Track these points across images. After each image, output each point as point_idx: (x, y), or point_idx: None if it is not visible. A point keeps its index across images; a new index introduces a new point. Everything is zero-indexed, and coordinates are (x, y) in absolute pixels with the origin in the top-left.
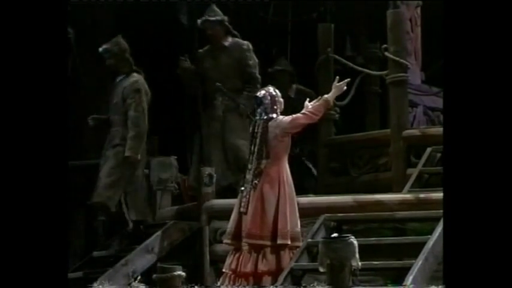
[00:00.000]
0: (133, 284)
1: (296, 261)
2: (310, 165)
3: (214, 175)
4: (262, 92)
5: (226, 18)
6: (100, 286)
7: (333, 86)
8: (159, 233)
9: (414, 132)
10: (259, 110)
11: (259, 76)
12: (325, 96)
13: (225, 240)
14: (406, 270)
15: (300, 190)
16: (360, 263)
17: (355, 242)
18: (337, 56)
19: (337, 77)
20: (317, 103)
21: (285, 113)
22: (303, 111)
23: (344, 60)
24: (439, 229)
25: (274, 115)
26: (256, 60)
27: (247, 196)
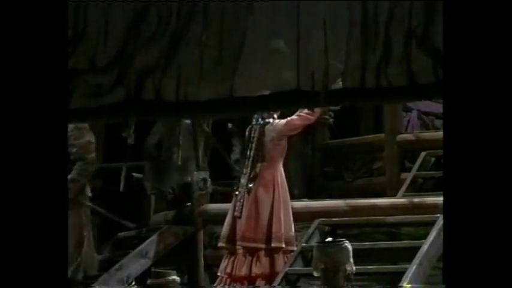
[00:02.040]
0: None
1: (290, 266)
2: None
3: (209, 179)
4: None
5: None
6: None
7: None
8: (153, 237)
9: (408, 136)
10: (255, 116)
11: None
12: None
13: (219, 244)
14: (400, 274)
15: None
16: (354, 268)
17: (350, 247)
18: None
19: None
20: None
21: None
22: (297, 113)
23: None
24: (433, 233)
25: (271, 120)
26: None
27: (242, 200)
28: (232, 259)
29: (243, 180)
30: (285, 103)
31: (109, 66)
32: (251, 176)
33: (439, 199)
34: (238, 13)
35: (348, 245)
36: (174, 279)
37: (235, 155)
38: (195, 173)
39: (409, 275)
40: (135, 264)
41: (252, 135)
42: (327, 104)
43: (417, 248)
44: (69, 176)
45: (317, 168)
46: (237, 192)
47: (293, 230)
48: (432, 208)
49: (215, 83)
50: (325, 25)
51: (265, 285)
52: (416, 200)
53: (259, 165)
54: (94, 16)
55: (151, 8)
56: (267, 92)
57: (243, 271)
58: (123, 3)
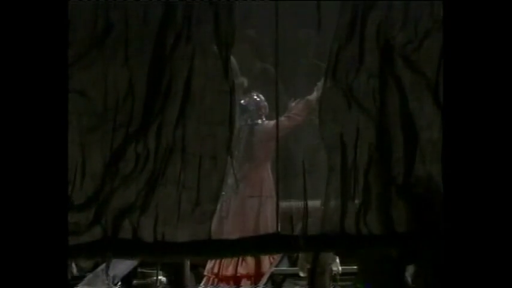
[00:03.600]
0: None
1: (276, 266)
2: None
3: None
4: (246, 99)
5: None
6: None
7: (316, 88)
8: None
9: None
10: (244, 117)
11: None
12: (308, 97)
13: None
14: None
15: None
16: (340, 268)
17: None
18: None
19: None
20: (299, 104)
21: None
22: (286, 114)
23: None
24: None
25: (259, 121)
26: None
27: (228, 200)
28: (218, 259)
29: (230, 181)
30: (264, 247)
31: (86, 205)
32: (238, 176)
33: None
34: (216, 154)
35: None
36: (159, 280)
37: None
38: None
39: None
40: (121, 264)
41: (241, 136)
42: (307, 249)
43: None
44: None
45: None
46: (223, 193)
47: (279, 231)
48: None
49: (193, 225)
50: (304, 169)
51: (251, 285)
52: None
53: (247, 165)
54: (71, 153)
55: (129, 145)
56: (245, 236)
57: (229, 271)
58: (101, 139)
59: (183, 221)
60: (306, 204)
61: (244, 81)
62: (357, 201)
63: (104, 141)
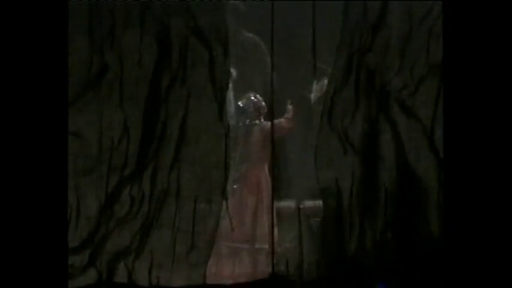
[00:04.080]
0: None
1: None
2: None
3: None
4: (244, 100)
5: None
6: None
7: (313, 89)
8: None
9: None
10: (242, 118)
11: None
12: None
13: None
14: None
15: None
16: None
17: None
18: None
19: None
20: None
21: None
22: (285, 115)
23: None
24: None
25: (258, 121)
26: None
27: (226, 200)
28: (216, 259)
29: (230, 178)
30: None
31: (81, 247)
32: (236, 176)
33: None
34: (211, 197)
35: None
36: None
37: None
38: None
39: None
40: None
41: (239, 136)
42: None
43: None
44: None
45: None
46: None
47: (276, 231)
48: None
49: (188, 269)
50: (300, 212)
51: (248, 285)
52: None
53: (244, 165)
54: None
55: (124, 188)
56: (241, 281)
57: (227, 271)
58: (95, 181)
59: (178, 264)
60: (302, 251)
61: (233, 72)
62: (352, 246)
63: (99, 183)
